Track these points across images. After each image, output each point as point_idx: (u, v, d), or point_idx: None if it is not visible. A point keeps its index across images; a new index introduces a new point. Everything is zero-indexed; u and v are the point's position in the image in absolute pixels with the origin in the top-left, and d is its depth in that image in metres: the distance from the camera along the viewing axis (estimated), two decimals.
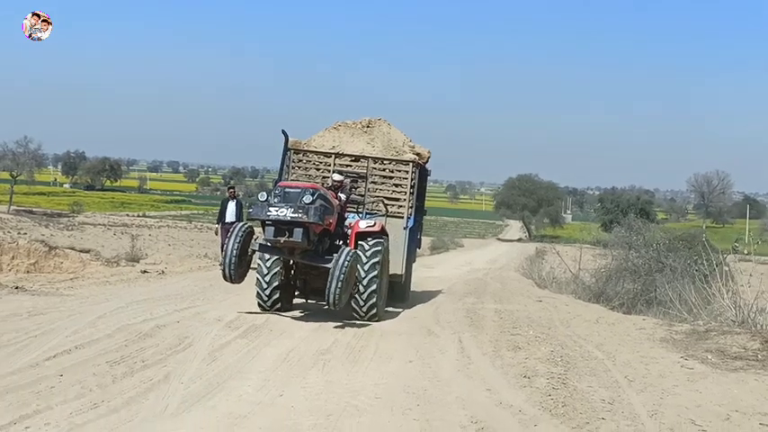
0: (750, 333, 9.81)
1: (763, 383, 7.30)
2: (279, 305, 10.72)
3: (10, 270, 16.38)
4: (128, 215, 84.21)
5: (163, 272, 16.03)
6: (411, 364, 7.91)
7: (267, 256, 10.64)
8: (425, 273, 23.97)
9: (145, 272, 15.78)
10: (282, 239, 9.98)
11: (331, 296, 9.71)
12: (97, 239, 38.10)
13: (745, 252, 15.39)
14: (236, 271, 10.27)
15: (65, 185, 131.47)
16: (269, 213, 9.88)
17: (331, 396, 6.41)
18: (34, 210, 73.72)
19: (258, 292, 10.69)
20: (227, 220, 17.23)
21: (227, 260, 10.17)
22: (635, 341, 9.83)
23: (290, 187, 10.32)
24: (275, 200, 10.04)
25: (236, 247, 10.18)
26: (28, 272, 16.58)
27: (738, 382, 7.34)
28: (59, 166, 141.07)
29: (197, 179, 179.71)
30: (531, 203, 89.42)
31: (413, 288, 14.70)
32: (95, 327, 8.40)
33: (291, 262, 10.89)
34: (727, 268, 14.06)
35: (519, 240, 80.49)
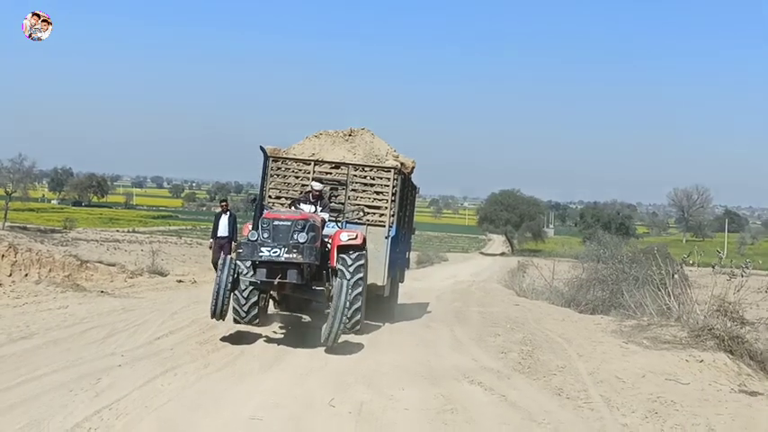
0: (681, 326, 12.45)
1: (678, 357, 9.86)
2: (257, 320, 10.38)
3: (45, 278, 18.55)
4: (117, 230, 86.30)
5: (194, 281, 18.51)
6: (417, 347, 10.50)
7: (245, 269, 10.10)
8: (414, 285, 26.58)
9: (180, 281, 18.33)
10: (276, 281, 9.66)
11: (331, 336, 9.37)
12: (92, 254, 40.35)
13: (691, 263, 17.80)
14: (226, 310, 9.67)
15: (53, 201, 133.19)
16: (261, 254, 9.42)
17: (364, 366, 8.95)
18: (27, 226, 75.63)
19: (235, 308, 10.12)
20: (219, 234, 17.67)
21: (219, 299, 9.47)
22: (590, 332, 12.46)
23: (279, 219, 9.71)
24: (264, 235, 9.54)
25: (227, 287, 9.53)
26: (63, 283, 18.81)
27: (659, 357, 9.90)
28: (46, 182, 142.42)
29: (182, 194, 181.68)
30: (514, 218, 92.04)
31: (404, 299, 16.01)
32: (175, 319, 11.04)
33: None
34: (676, 276, 16.66)
35: (502, 254, 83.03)
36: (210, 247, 18.55)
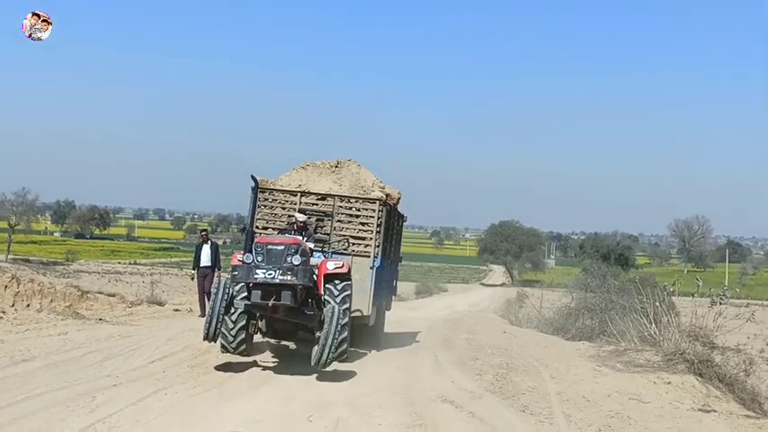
0: (656, 350, 12.96)
1: (646, 379, 10.39)
2: (244, 347, 10.44)
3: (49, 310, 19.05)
4: (119, 263, 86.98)
5: (191, 310, 19.09)
6: (398, 370, 11.02)
7: (229, 312, 10.15)
8: (409, 314, 27.27)
9: (177, 310, 18.91)
10: (270, 302, 9.83)
11: (323, 359, 9.54)
12: (93, 286, 41.05)
13: (672, 290, 18.21)
14: (219, 331, 9.85)
15: (55, 234, 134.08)
16: (256, 276, 9.66)
17: (346, 388, 9.45)
18: (30, 258, 76.32)
19: (223, 332, 10.14)
20: (201, 265, 17.38)
21: (213, 323, 9.67)
22: (568, 357, 12.97)
23: (272, 244, 10.01)
24: (258, 258, 9.81)
25: (221, 311, 9.74)
26: (64, 312, 19.30)
27: (629, 379, 10.42)
28: (48, 215, 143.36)
29: (184, 226, 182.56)
30: (513, 249, 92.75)
31: (396, 328, 16.56)
32: (168, 345, 11.62)
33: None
34: (657, 304, 17.15)
35: (502, 285, 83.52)
36: (193, 278, 18.28)
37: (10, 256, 71.99)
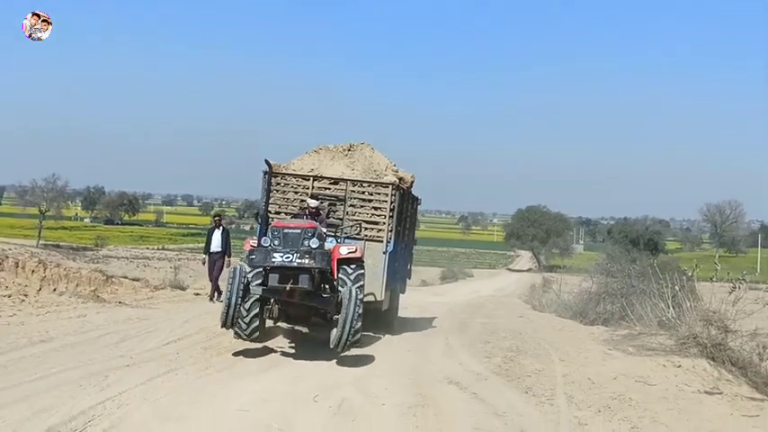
0: (670, 335, 12.97)
1: (656, 362, 10.39)
2: (257, 334, 10.40)
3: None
4: (147, 248, 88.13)
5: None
6: (409, 353, 11.17)
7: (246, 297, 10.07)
8: (432, 299, 27.43)
9: (197, 294, 19.20)
10: (288, 286, 9.72)
11: (342, 340, 9.62)
12: (121, 271, 41.78)
13: (690, 275, 18.12)
14: (236, 318, 9.80)
15: (85, 220, 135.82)
16: (273, 260, 9.60)
17: (356, 370, 9.62)
18: (61, 244, 77.53)
19: (237, 321, 10.08)
20: (212, 250, 17.47)
21: (231, 309, 9.56)
22: (581, 340, 13.01)
23: (289, 228, 10.02)
24: (275, 242, 9.80)
25: (239, 297, 9.62)
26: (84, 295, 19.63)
27: (638, 362, 10.44)
28: (79, 201, 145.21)
29: (211, 212, 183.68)
30: (540, 234, 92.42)
31: (416, 312, 16.88)
32: (184, 327, 11.88)
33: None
34: (678, 289, 17.11)
35: (529, 270, 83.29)
36: (204, 263, 18.32)
37: (41, 242, 73.12)
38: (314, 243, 9.72)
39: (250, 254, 10.02)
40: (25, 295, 14.01)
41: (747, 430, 7.17)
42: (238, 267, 9.87)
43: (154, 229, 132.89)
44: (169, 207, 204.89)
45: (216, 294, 17.18)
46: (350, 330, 9.55)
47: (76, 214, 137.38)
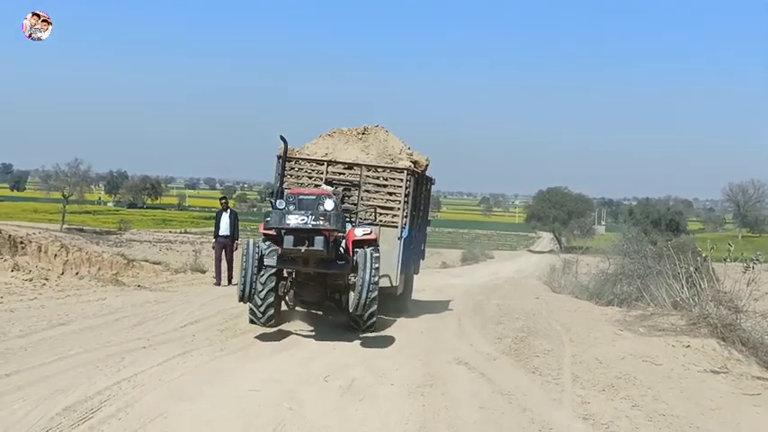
0: (681, 315, 13.04)
1: (665, 342, 10.50)
2: (272, 321, 10.55)
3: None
4: (170, 232, 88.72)
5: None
6: (422, 334, 11.35)
7: (262, 270, 10.20)
8: (451, 281, 27.55)
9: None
10: (303, 248, 9.63)
11: (361, 302, 9.66)
12: (144, 254, 42.30)
13: (704, 256, 18.08)
14: (252, 291, 9.81)
15: (108, 204, 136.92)
16: (288, 222, 9.54)
17: (368, 350, 9.82)
18: (84, 228, 78.38)
19: (251, 309, 10.40)
20: (220, 234, 17.25)
21: (247, 283, 9.67)
22: (593, 321, 13.12)
23: (304, 194, 10.10)
24: (290, 207, 9.80)
25: (255, 270, 9.73)
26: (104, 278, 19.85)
27: (647, 342, 10.55)
28: (102, 185, 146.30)
29: (234, 196, 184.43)
30: (562, 215, 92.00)
31: (433, 294, 16.99)
32: (202, 310, 12.15)
33: (285, 273, 10.67)
34: (693, 270, 17.13)
35: (550, 252, 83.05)
36: (214, 247, 18.11)
37: (64, 226, 73.97)
38: (329, 205, 9.70)
39: (266, 216, 9.96)
40: (46, 279, 14.33)
41: (746, 408, 7.27)
42: (251, 242, 9.92)
43: (176, 212, 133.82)
44: (192, 191, 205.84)
45: (229, 279, 17.25)
46: (367, 293, 9.59)
47: (99, 198, 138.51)
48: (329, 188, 11.72)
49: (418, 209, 13.99)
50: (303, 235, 9.59)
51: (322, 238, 9.62)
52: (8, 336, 9.20)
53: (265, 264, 10.00)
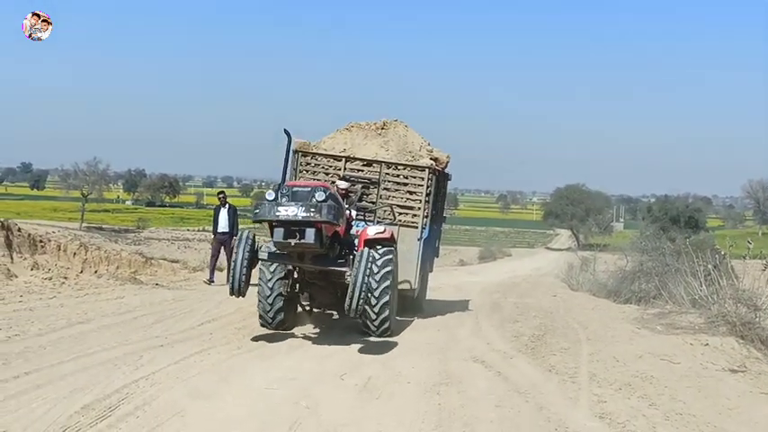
0: (700, 313, 12.97)
1: (683, 340, 10.43)
2: (284, 325, 10.36)
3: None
4: (188, 230, 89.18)
5: None
6: (438, 332, 11.34)
7: (269, 274, 10.09)
8: (468, 279, 27.51)
9: None
10: (293, 242, 9.22)
11: (352, 306, 9.15)
12: (162, 253, 42.64)
13: (723, 253, 17.98)
14: (245, 285, 9.56)
15: (127, 202, 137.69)
16: (278, 213, 9.11)
17: (384, 348, 9.80)
18: (103, 226, 78.98)
19: (261, 314, 10.22)
20: (219, 230, 16.94)
21: (237, 274, 9.45)
22: (611, 319, 13.08)
23: (299, 186, 9.64)
24: (283, 200, 9.34)
25: (245, 261, 9.52)
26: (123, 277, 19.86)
27: (665, 340, 10.51)
28: (120, 184, 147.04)
29: (251, 194, 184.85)
30: (579, 213, 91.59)
31: (450, 292, 16.90)
32: (219, 308, 12.21)
33: (296, 274, 10.41)
34: (711, 267, 17.00)
35: (568, 249, 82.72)
36: (212, 244, 17.72)
37: (84, 225, 74.58)
38: (320, 196, 9.17)
39: (255, 207, 9.59)
40: (65, 278, 14.44)
41: (765, 407, 7.21)
42: (245, 233, 9.71)
43: (194, 210, 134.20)
44: (209, 189, 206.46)
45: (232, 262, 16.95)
46: (360, 293, 9.07)
47: (118, 197, 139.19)
48: (345, 184, 11.36)
49: (438, 208, 13.58)
50: (293, 227, 9.18)
51: (313, 230, 9.19)
52: (27, 334, 9.29)
53: (259, 257, 9.78)
